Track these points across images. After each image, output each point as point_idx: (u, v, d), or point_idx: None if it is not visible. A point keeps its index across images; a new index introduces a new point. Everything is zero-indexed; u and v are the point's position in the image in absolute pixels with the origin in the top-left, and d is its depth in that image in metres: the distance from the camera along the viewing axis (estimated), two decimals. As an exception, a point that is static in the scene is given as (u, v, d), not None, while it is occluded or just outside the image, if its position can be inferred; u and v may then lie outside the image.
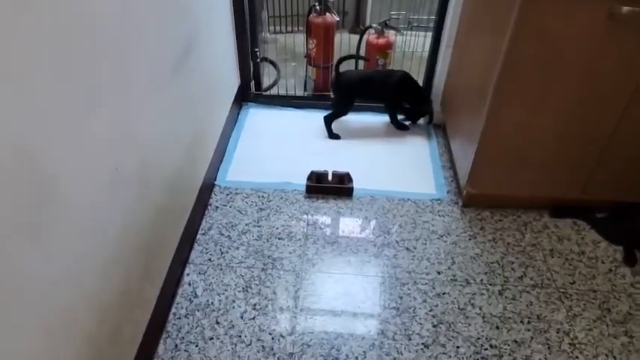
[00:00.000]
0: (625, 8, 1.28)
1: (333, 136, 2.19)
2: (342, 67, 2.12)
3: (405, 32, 2.35)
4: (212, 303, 1.47)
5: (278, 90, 2.46)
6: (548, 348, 1.37)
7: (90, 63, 0.93)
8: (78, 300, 0.95)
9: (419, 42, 2.38)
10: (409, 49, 2.42)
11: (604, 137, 1.55)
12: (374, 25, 2.35)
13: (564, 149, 1.60)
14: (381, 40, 2.32)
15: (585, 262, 1.62)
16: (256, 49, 2.28)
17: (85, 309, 0.98)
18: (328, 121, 2.19)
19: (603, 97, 1.46)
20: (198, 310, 1.45)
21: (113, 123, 1.04)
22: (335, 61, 2.16)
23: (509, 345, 1.38)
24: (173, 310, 1.45)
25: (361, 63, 2.39)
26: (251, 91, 2.41)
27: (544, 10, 1.30)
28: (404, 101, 2.24)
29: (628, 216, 1.70)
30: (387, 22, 2.31)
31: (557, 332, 1.41)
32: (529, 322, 1.43)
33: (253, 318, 1.43)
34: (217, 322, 1.42)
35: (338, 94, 2.22)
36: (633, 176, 1.64)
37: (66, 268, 0.90)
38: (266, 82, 2.51)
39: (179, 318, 1.43)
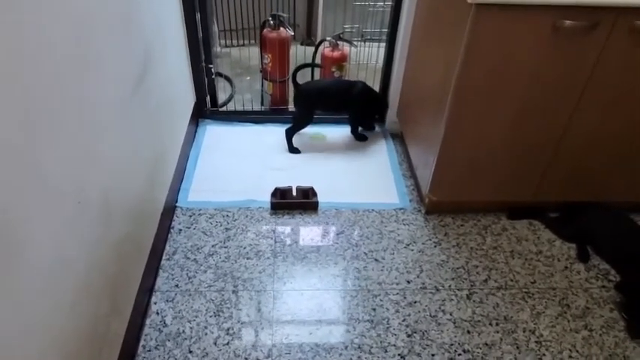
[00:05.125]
0: (567, 22, 1.37)
1: (293, 150, 2.18)
2: (299, 77, 2.12)
3: (358, 44, 2.39)
4: (183, 331, 1.42)
5: (235, 105, 2.42)
6: (517, 348, 1.43)
7: (43, 91, 0.87)
8: (48, 348, 0.89)
9: (373, 53, 2.42)
10: (364, 60, 2.46)
11: (553, 142, 1.65)
12: (328, 38, 2.37)
13: (517, 154, 1.67)
14: (336, 53, 2.35)
15: (543, 261, 1.70)
16: (210, 65, 2.24)
17: (56, 356, 0.92)
18: (289, 134, 2.18)
19: (551, 105, 1.55)
20: (168, 340, 1.39)
21: (74, 153, 0.99)
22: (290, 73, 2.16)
23: (480, 348, 1.42)
24: (142, 342, 1.39)
25: (317, 71, 2.40)
26: (207, 108, 2.36)
27: (495, 23, 1.37)
28: (367, 111, 2.27)
29: (577, 215, 1.80)
30: (341, 35, 2.34)
31: (524, 332, 1.47)
32: (497, 324, 1.49)
33: (227, 343, 1.39)
34: (190, 351, 1.37)
35: (299, 107, 2.21)
36: (581, 178, 1.75)
37: (33, 314, 0.84)
38: (221, 97, 2.47)
39: (149, 350, 1.37)
